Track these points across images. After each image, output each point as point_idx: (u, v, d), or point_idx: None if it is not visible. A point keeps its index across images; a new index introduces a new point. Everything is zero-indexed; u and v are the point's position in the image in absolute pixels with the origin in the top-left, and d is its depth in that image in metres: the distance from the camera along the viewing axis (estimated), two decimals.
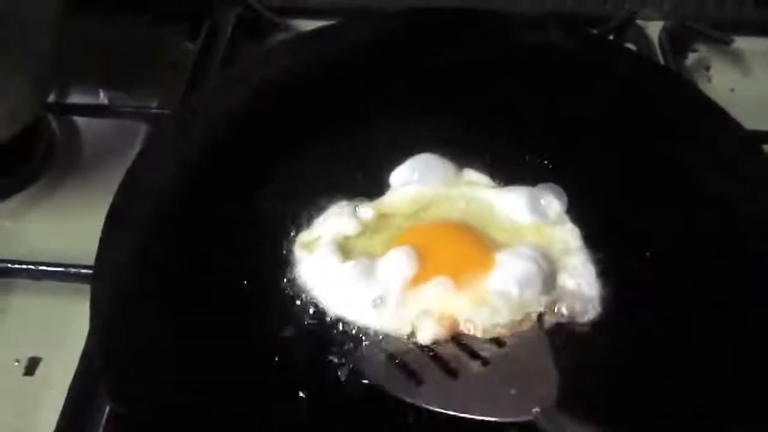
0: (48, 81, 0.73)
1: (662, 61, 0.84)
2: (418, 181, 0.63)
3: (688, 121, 0.68)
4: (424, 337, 0.53)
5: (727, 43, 0.86)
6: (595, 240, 0.59)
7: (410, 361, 0.52)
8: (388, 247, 0.58)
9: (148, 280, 0.55)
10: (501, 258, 0.56)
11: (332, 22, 0.79)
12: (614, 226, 0.60)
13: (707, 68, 0.88)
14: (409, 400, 0.49)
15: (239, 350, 0.52)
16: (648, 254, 0.58)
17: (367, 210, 0.62)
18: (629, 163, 0.65)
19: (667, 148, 0.66)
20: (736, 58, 0.88)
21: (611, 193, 0.62)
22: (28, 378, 0.58)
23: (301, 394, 0.50)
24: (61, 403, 0.54)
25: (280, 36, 0.88)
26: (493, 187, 0.63)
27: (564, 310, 0.54)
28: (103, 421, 0.54)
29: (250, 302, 0.55)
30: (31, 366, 0.59)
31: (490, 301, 0.54)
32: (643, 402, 0.50)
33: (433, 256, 0.56)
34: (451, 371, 0.51)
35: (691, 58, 0.89)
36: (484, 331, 0.53)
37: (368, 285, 0.55)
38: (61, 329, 0.60)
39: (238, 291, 0.55)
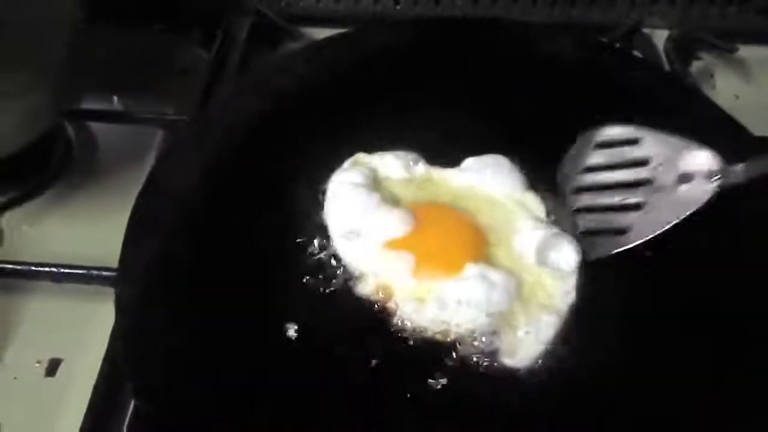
0: (66, 89, 0.74)
1: (668, 69, 0.85)
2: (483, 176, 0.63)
3: (694, 127, 0.69)
4: (361, 289, 0.56)
5: (731, 51, 0.88)
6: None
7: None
8: (411, 205, 0.60)
9: (172, 282, 0.56)
10: (469, 270, 0.55)
11: (344, 30, 0.80)
12: None
13: (712, 75, 0.89)
14: None
15: (265, 350, 0.53)
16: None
17: (421, 167, 0.64)
18: None
19: None
20: (740, 66, 0.89)
21: None
22: (49, 379, 0.59)
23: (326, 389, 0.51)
24: (82, 404, 0.55)
25: (293, 44, 0.89)
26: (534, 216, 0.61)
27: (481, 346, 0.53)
28: (126, 421, 0.55)
29: (275, 303, 0.56)
30: (53, 367, 0.60)
31: (426, 301, 0.55)
32: None
33: (424, 235, 0.57)
34: None
35: (696, 66, 0.90)
36: (404, 320, 0.54)
37: (361, 217, 0.58)
38: (82, 331, 0.61)
39: (262, 292, 0.56)
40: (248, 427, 0.50)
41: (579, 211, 0.62)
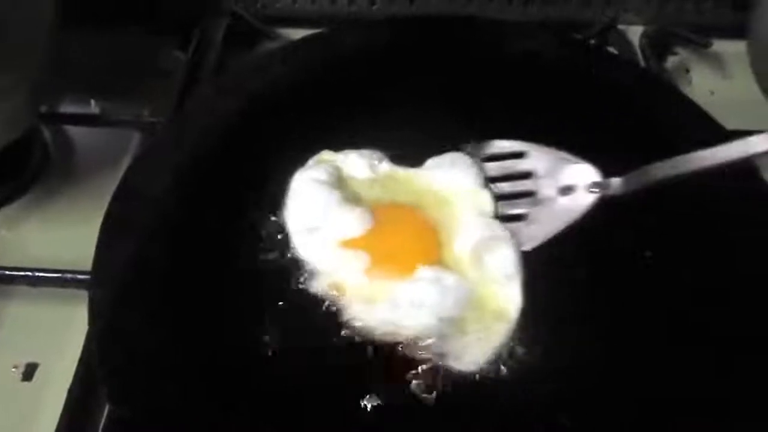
0: (43, 90, 0.74)
1: (643, 65, 0.85)
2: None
3: (670, 123, 0.70)
4: (314, 286, 0.56)
5: (706, 46, 0.88)
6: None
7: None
8: (372, 204, 0.60)
9: (146, 284, 0.56)
10: (423, 272, 0.55)
11: (321, 30, 0.80)
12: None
13: (687, 71, 0.90)
14: None
15: (237, 352, 0.53)
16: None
17: (385, 166, 0.64)
18: (612, 165, 0.65)
19: (649, 149, 0.66)
20: (716, 61, 0.90)
21: None
22: (26, 383, 0.59)
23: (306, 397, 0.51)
24: (59, 408, 0.55)
25: (270, 44, 0.89)
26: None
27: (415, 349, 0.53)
28: (102, 424, 0.55)
29: (246, 304, 0.56)
30: (29, 372, 0.60)
31: (377, 301, 0.54)
32: None
33: (381, 235, 0.57)
34: None
35: (672, 61, 0.90)
36: (355, 319, 0.54)
37: (320, 214, 0.58)
38: (58, 335, 0.61)
39: (235, 293, 0.56)
40: (222, 427, 0.50)
41: None
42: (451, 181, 0.62)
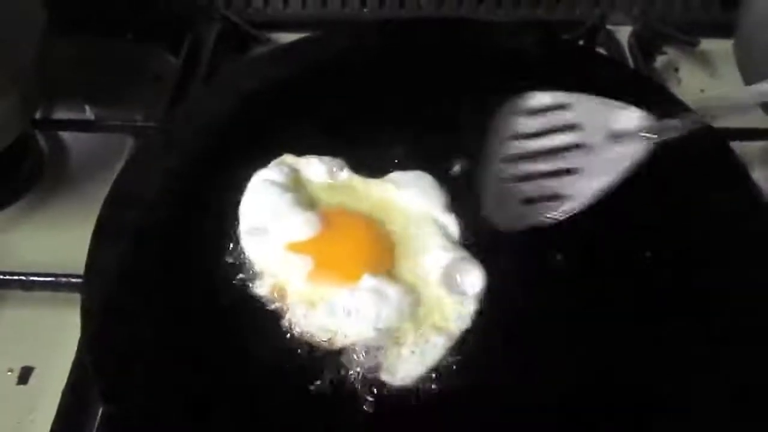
0: (35, 97, 0.74)
1: (632, 64, 0.86)
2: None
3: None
4: (257, 288, 0.56)
5: (694, 44, 0.89)
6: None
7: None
8: (325, 209, 0.59)
9: (138, 286, 0.57)
10: (365, 281, 0.54)
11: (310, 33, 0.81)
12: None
13: (676, 70, 0.90)
14: None
15: (226, 351, 0.54)
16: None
17: (345, 174, 0.64)
18: None
19: None
20: (705, 60, 0.91)
21: None
22: (21, 387, 0.60)
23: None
24: (54, 411, 0.56)
25: (261, 49, 0.89)
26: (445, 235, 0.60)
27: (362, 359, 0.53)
28: (96, 424, 0.56)
29: (235, 305, 0.56)
30: (24, 375, 0.60)
31: (316, 307, 0.54)
32: None
33: (327, 241, 0.57)
34: None
35: (661, 61, 0.91)
36: (293, 323, 0.54)
37: (270, 215, 0.58)
38: (53, 339, 0.62)
39: (225, 296, 0.57)
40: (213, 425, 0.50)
41: (511, 180, 0.60)
42: (413, 198, 0.61)
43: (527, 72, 0.74)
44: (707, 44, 0.90)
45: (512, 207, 0.59)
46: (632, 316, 0.56)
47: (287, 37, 0.88)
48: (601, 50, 0.89)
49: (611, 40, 0.90)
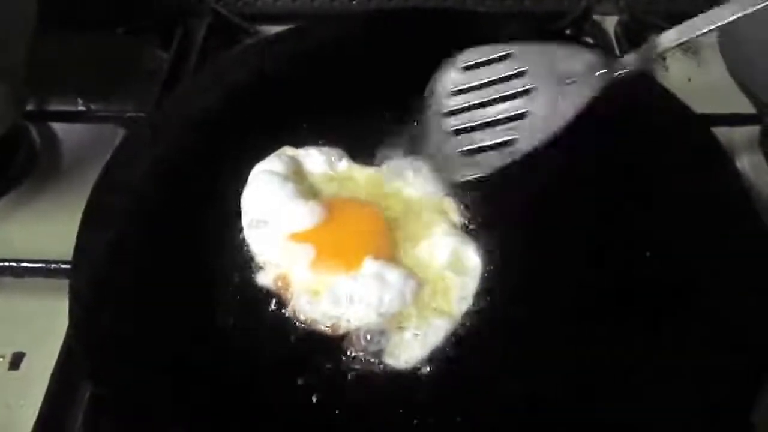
0: (26, 91, 0.75)
1: (618, 53, 0.86)
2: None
3: (647, 109, 0.70)
4: (261, 278, 0.57)
5: None
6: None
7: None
8: (326, 199, 0.60)
9: (125, 270, 0.58)
10: (366, 267, 0.55)
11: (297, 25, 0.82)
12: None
13: (664, 59, 0.91)
14: None
15: (210, 333, 0.55)
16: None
17: (344, 164, 0.64)
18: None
19: (623, 134, 0.67)
20: (692, 49, 0.91)
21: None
22: (12, 372, 0.61)
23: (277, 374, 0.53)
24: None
25: (250, 41, 0.90)
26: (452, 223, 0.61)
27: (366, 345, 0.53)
28: (84, 406, 0.57)
29: (212, 292, 0.57)
30: (16, 361, 0.61)
31: (320, 295, 0.55)
32: None
33: (329, 230, 0.58)
34: None
35: None
36: (298, 311, 0.55)
37: (272, 205, 0.59)
38: (44, 325, 0.63)
39: (206, 280, 0.58)
40: (202, 410, 0.51)
41: (456, 132, 0.60)
42: (414, 186, 0.62)
43: None
44: None
45: (461, 158, 0.59)
46: (632, 305, 0.56)
47: (275, 30, 0.87)
48: (588, 39, 0.90)
49: (598, 30, 0.91)
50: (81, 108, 0.84)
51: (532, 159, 0.58)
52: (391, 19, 0.81)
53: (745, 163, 0.76)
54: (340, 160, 0.65)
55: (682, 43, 0.55)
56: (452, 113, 0.61)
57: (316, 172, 0.64)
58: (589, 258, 0.58)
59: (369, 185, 0.63)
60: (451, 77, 0.62)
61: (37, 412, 0.56)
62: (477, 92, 0.60)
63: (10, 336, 0.63)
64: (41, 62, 0.75)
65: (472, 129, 0.59)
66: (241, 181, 0.63)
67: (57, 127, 0.82)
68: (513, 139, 0.57)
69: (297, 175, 0.62)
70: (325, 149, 0.65)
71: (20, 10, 0.71)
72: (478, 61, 0.61)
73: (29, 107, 0.81)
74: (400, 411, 0.51)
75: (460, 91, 0.61)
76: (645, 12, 0.91)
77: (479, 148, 0.58)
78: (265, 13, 0.94)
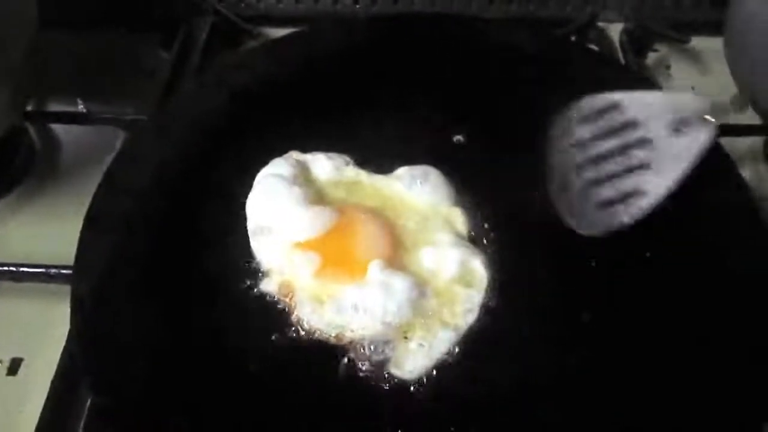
0: (26, 91, 0.75)
1: (623, 61, 0.86)
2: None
3: None
4: (265, 286, 0.57)
5: (685, 42, 0.89)
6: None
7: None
8: (332, 206, 0.59)
9: (127, 277, 0.57)
10: (372, 276, 0.55)
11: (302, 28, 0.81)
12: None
13: (668, 67, 0.91)
14: None
15: (215, 343, 0.54)
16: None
17: (351, 170, 0.64)
18: None
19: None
20: (695, 57, 0.91)
21: None
22: (11, 378, 0.60)
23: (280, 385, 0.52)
24: (43, 401, 0.56)
25: (253, 43, 0.90)
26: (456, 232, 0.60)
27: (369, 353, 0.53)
28: (85, 415, 0.56)
29: (226, 297, 0.57)
30: (14, 366, 0.61)
31: (324, 303, 0.55)
32: None
33: (334, 237, 0.57)
34: None
35: (652, 58, 0.91)
36: (302, 320, 0.54)
37: (278, 211, 0.58)
38: (43, 330, 0.62)
39: (215, 286, 0.57)
40: (204, 420, 0.50)
41: (586, 186, 0.60)
42: (421, 193, 0.62)
43: (519, 68, 0.74)
44: (698, 42, 0.90)
45: (591, 212, 0.59)
46: (637, 313, 0.55)
47: (280, 32, 0.87)
48: (593, 47, 0.90)
49: (603, 37, 0.91)
50: (81, 109, 0.83)
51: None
52: (396, 25, 0.80)
53: (749, 173, 0.76)
54: (347, 165, 0.64)
55: None
56: (579, 167, 0.61)
57: (323, 177, 0.63)
58: (597, 271, 0.58)
59: (376, 192, 0.63)
60: (569, 129, 0.63)
61: (35, 419, 0.55)
62: (597, 145, 0.61)
63: (8, 341, 0.62)
64: (41, 62, 0.74)
65: (599, 182, 0.60)
66: (246, 185, 0.62)
67: (57, 128, 0.81)
68: (642, 190, 0.58)
69: (304, 180, 0.62)
70: (333, 154, 0.65)
71: (20, 11, 0.71)
72: (591, 112, 0.62)
73: (29, 108, 0.80)
74: (404, 421, 0.50)
75: (579, 144, 0.62)
76: (650, 20, 0.90)
77: (605, 202, 0.59)
78: (268, 15, 0.93)
